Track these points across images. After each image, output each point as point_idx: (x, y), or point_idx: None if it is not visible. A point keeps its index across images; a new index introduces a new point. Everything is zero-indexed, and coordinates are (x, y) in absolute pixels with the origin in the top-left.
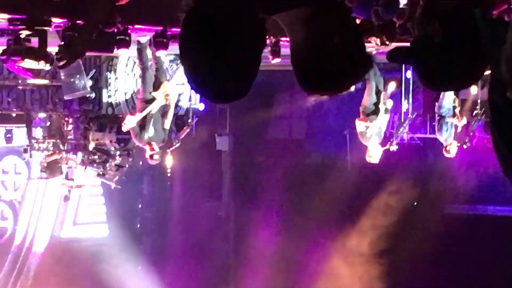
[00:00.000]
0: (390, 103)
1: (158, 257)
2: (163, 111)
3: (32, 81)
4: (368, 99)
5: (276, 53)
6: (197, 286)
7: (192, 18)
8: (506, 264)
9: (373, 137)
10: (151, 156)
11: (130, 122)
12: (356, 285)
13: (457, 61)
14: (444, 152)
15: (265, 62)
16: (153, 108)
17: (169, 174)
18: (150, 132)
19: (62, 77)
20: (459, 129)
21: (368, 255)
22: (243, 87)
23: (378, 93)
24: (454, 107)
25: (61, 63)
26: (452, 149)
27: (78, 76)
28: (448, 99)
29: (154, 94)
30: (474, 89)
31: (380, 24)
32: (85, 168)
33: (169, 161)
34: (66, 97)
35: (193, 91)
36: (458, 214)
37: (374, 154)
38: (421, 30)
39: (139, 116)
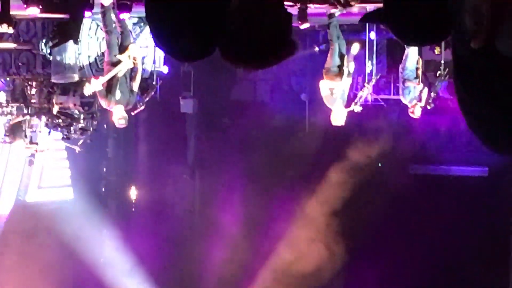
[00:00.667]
0: (352, 66)
1: (123, 220)
2: (131, 74)
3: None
4: (331, 62)
5: None
6: (162, 249)
7: None
8: (469, 223)
9: (337, 100)
10: (119, 121)
11: (94, 85)
12: (319, 247)
13: (427, 15)
14: (410, 114)
15: None
16: (119, 70)
17: None
18: (116, 95)
19: (51, 57)
20: (417, 92)
21: (332, 217)
22: (208, 45)
23: (341, 55)
24: (417, 69)
25: (53, 43)
26: (416, 110)
27: (66, 55)
28: (411, 60)
29: (119, 57)
30: (437, 50)
31: None
32: (49, 131)
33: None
34: (54, 80)
35: (157, 54)
36: (422, 174)
37: (339, 117)
38: None
39: (103, 79)
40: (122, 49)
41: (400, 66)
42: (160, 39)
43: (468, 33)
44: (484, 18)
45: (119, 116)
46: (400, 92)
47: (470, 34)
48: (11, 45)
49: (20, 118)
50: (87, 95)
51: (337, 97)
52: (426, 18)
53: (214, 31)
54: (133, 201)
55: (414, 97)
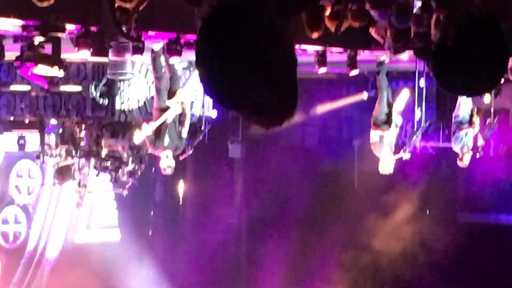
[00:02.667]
0: (399, 120)
1: (170, 263)
2: (179, 119)
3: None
4: (379, 109)
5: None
6: None
7: (209, 25)
8: None
9: (385, 148)
10: (165, 169)
11: (144, 132)
12: None
13: (472, 66)
14: (458, 162)
15: None
16: (168, 116)
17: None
18: (165, 141)
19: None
20: (469, 139)
21: (379, 266)
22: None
23: (389, 103)
24: (471, 116)
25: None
26: (465, 158)
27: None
28: (464, 108)
29: (168, 103)
30: (487, 98)
31: (395, 31)
32: (98, 174)
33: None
34: (109, 75)
35: (206, 98)
36: (470, 223)
37: (387, 165)
38: (440, 34)
39: (153, 125)
40: (171, 94)
41: (454, 114)
42: (209, 88)
43: None
44: None
45: (166, 164)
46: (453, 139)
47: None
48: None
49: (69, 161)
50: (137, 143)
51: (385, 145)
52: (474, 72)
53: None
54: (180, 245)
55: (465, 144)
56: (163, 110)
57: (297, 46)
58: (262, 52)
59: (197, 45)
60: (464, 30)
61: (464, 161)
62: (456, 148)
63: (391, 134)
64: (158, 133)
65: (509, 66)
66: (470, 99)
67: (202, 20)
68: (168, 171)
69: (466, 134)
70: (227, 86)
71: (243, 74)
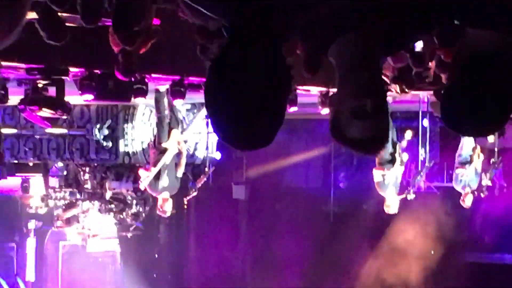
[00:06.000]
0: (405, 156)
1: None
2: (176, 159)
3: (49, 130)
4: (384, 149)
5: (292, 101)
6: None
7: (218, 66)
8: None
9: (390, 187)
10: (164, 211)
11: (147, 178)
12: None
13: (479, 107)
14: (461, 202)
15: None
16: (167, 158)
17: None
18: (164, 182)
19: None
20: (472, 177)
21: None
22: (268, 134)
23: (393, 143)
24: (471, 156)
25: None
26: (467, 199)
27: None
28: (466, 148)
29: (165, 145)
30: (491, 138)
31: (395, 71)
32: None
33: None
34: None
35: (210, 140)
36: (475, 262)
37: (391, 204)
38: (448, 75)
39: (154, 170)
40: (168, 135)
41: (457, 153)
42: (219, 129)
43: None
44: None
45: (166, 206)
46: (453, 178)
47: None
48: (64, 131)
49: (74, 212)
50: (142, 189)
51: (390, 184)
52: (486, 113)
53: (274, 120)
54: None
55: (466, 184)
56: (162, 151)
57: (301, 87)
58: (271, 93)
59: (206, 85)
60: (470, 69)
61: (466, 202)
62: (457, 187)
63: (396, 173)
64: (158, 175)
65: None
66: (472, 139)
67: (211, 61)
68: (169, 213)
69: (466, 173)
70: (237, 126)
71: (253, 114)
